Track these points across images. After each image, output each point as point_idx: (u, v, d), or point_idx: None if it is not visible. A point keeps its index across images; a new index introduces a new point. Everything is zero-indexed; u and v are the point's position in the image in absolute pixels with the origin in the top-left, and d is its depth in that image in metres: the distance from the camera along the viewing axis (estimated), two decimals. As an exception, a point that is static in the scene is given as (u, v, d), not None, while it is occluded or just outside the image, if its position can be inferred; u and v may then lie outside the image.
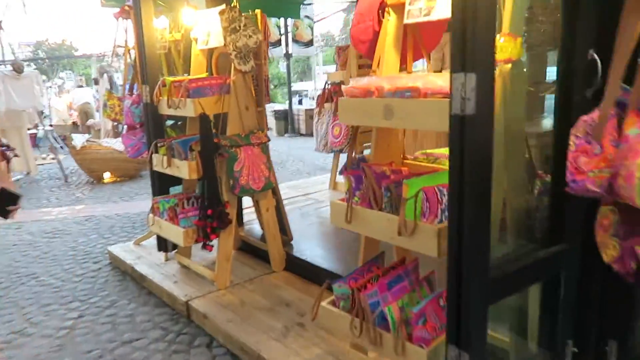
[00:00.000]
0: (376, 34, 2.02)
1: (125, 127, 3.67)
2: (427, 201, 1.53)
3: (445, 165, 1.92)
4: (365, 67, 4.63)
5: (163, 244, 3.37)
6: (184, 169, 2.82)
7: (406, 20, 1.89)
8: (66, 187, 6.85)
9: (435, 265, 1.83)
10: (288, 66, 11.78)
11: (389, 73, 1.95)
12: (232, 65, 2.87)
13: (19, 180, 7.24)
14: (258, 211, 3.34)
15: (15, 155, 6.42)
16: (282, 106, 12.62)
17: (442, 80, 1.53)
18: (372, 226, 1.68)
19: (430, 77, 1.61)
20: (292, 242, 3.37)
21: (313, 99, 16.41)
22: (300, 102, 13.55)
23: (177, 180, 3.14)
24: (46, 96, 13.84)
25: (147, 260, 3.49)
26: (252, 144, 2.89)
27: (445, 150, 2.05)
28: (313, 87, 18.72)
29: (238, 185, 2.82)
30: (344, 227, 1.78)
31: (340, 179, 4.91)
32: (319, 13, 13.28)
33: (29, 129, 8.16)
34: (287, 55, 11.28)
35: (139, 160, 5.34)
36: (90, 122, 9.57)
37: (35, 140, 10.27)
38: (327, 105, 4.66)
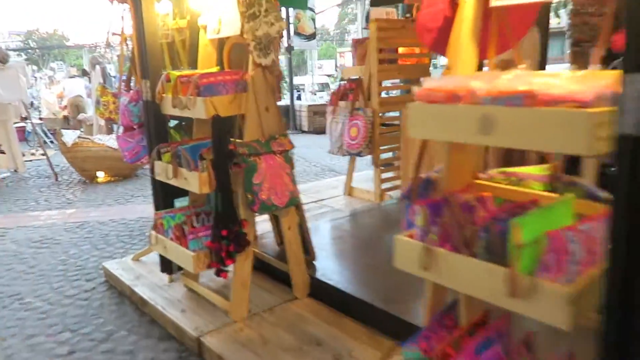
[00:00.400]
0: (447, 21, 1.59)
1: (121, 127, 3.22)
2: (552, 251, 1.11)
3: (540, 190, 1.49)
4: (386, 62, 4.20)
5: (167, 265, 2.93)
6: (194, 181, 2.37)
7: (495, 2, 1.45)
8: (56, 187, 6.37)
9: (532, 324, 1.41)
10: (290, 60, 11.30)
11: (465, 71, 1.52)
12: (250, 58, 2.43)
13: (4, 179, 6.76)
14: (277, 228, 2.91)
15: (1, 152, 5.91)
16: (282, 102, 12.14)
17: (573, 83, 1.10)
18: (464, 278, 1.25)
19: (547, 78, 1.17)
20: (314, 262, 2.94)
21: (313, 93, 15.96)
22: (299, 98, 13.08)
23: (182, 190, 2.70)
24: (35, 87, 13.29)
25: (148, 281, 3.05)
26: (274, 152, 2.46)
27: (530, 169, 1.62)
28: (310, 81, 18.27)
29: (258, 201, 2.38)
30: (419, 274, 1.35)
31: (359, 184, 4.48)
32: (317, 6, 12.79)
33: (15, 123, 7.66)
34: (289, 49, 10.78)
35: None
36: (81, 116, 9.06)
37: (24, 134, 9.77)
38: (342, 103, 4.23)
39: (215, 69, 2.72)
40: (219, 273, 2.42)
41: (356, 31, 17.67)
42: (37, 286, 3.34)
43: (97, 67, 7.70)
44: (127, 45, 3.20)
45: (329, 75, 22.07)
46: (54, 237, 4.34)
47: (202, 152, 2.43)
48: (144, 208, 5.21)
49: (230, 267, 2.48)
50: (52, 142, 9.18)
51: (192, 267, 2.38)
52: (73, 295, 3.17)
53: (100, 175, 6.59)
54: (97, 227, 4.59)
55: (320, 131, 9.31)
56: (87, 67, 12.74)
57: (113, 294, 3.16)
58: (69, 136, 6.37)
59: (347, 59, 20.71)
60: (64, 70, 22.01)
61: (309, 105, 10.90)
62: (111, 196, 5.80)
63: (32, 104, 11.25)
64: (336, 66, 23.80)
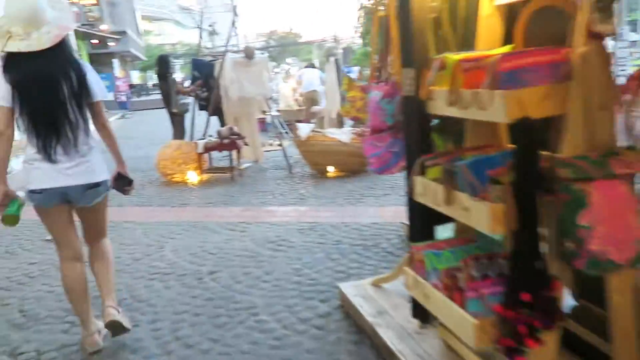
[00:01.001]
0: None
1: (367, 128, 2.66)
2: None
3: None
4: None
5: (422, 312, 2.27)
6: (480, 214, 1.61)
7: None
8: (290, 180, 6.45)
9: None
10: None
11: None
12: (579, 25, 1.53)
13: (247, 169, 7.18)
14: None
15: (245, 144, 6.09)
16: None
17: None
18: None
19: None
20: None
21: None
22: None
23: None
24: (275, 81, 14.47)
25: (393, 322, 2.44)
26: (615, 176, 1.53)
27: None
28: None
29: (584, 252, 1.50)
30: None
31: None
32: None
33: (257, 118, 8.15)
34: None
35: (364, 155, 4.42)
36: (314, 109, 9.23)
37: (264, 125, 10.55)
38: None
39: (508, 49, 1.90)
40: (512, 355, 1.62)
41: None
42: (272, 300, 3.07)
43: (331, 58, 7.62)
44: (379, 24, 2.61)
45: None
46: (288, 239, 4.15)
47: (494, 171, 1.65)
48: (375, 211, 4.75)
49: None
50: (287, 132, 9.66)
51: (472, 339, 1.64)
52: (307, 320, 2.77)
53: (331, 169, 6.44)
54: (330, 231, 4.26)
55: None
56: (315, 61, 13.18)
57: (350, 327, 2.66)
58: (304, 130, 6.35)
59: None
60: (297, 65, 23.87)
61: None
62: (341, 194, 5.53)
63: (271, 97, 12.21)
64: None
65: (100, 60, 24.40)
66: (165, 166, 6.54)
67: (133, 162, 8.46)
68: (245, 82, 6.44)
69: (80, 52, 21.77)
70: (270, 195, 5.77)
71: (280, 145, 7.38)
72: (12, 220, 2.37)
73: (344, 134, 6.27)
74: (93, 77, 2.41)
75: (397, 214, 4.22)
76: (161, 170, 6.62)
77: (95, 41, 22.19)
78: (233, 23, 7.68)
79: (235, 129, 6.53)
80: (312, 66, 11.32)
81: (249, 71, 6.45)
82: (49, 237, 2.70)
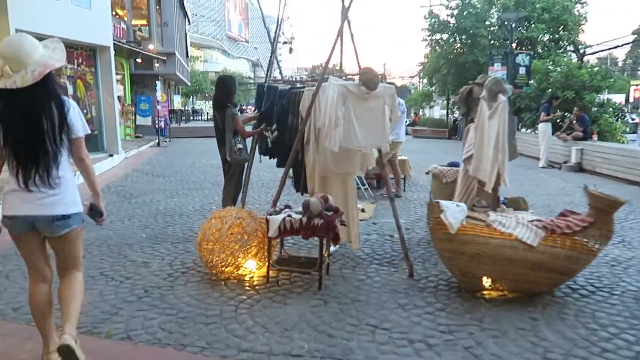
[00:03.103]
0: None
1: None
2: None
3: None
4: None
5: None
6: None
7: None
8: (416, 297, 3.76)
9: None
10: None
11: None
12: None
13: (332, 258, 4.56)
14: None
15: (342, 224, 3.22)
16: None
17: None
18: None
19: None
20: None
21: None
22: None
23: None
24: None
25: None
26: None
27: None
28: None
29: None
30: None
31: None
32: None
33: None
34: None
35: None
36: (442, 169, 6.58)
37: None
38: None
39: None
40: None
41: None
42: None
43: (502, 97, 5.01)
44: None
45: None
46: None
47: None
48: None
49: None
50: (366, 189, 7.08)
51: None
52: None
53: (487, 283, 3.74)
54: None
55: None
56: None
57: None
58: (453, 213, 3.70)
59: None
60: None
61: None
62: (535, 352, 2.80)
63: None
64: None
65: (143, 82, 22.72)
66: (212, 252, 3.96)
67: (159, 222, 6.04)
68: (357, 125, 3.90)
69: (123, 72, 20.11)
70: (385, 336, 3.10)
71: (363, 211, 4.79)
72: None
73: (526, 228, 3.60)
74: (75, 114, 2.53)
75: None
76: (204, 257, 4.05)
77: (139, 60, 20.47)
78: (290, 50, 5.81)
79: (332, 201, 3.94)
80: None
81: (366, 108, 3.93)
82: None
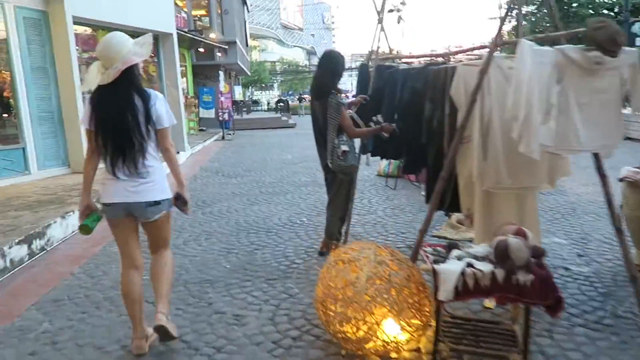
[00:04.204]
0: None
1: None
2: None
3: None
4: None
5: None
6: None
7: None
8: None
9: None
10: None
11: None
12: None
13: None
14: None
15: None
16: None
17: None
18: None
19: None
20: None
21: None
22: None
23: None
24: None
25: None
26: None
27: None
28: None
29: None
30: None
31: None
32: None
33: None
34: None
35: None
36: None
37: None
38: None
39: None
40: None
41: None
42: None
43: None
44: None
45: None
46: None
47: None
48: None
49: None
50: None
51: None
52: None
53: None
54: None
55: None
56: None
57: None
58: None
59: None
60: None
61: None
62: None
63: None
64: None
65: (204, 73, 21.90)
66: (345, 319, 2.56)
67: (243, 244, 4.58)
68: (578, 116, 2.38)
69: (185, 63, 19.29)
70: None
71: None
72: (86, 230, 2.67)
73: None
74: (160, 105, 2.64)
75: None
76: (331, 325, 2.66)
77: (201, 50, 19.58)
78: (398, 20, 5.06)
79: (531, 237, 2.45)
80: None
81: (593, 88, 2.39)
82: None
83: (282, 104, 32.94)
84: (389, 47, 5.18)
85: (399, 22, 5.38)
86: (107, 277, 4.02)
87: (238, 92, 32.28)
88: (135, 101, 2.55)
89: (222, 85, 19.63)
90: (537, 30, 19.39)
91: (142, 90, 2.60)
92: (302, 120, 29.90)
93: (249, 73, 33.33)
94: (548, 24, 18.84)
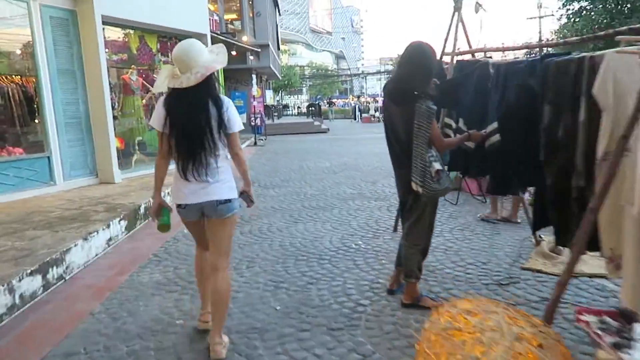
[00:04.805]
0: None
1: None
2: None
3: None
4: None
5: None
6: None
7: None
8: None
9: None
10: None
11: None
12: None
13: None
14: None
15: None
16: None
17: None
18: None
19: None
20: None
21: None
22: None
23: None
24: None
25: None
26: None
27: None
28: None
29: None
30: None
31: None
32: None
33: None
34: None
35: None
36: None
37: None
38: None
39: None
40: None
41: None
42: None
43: None
44: None
45: None
46: None
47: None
48: None
49: None
50: None
51: None
52: None
53: None
54: None
55: None
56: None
57: None
58: None
59: None
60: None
61: None
62: None
63: None
64: None
65: (235, 77, 21.37)
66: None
67: (292, 275, 3.77)
68: None
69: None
70: None
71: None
72: (166, 228, 2.84)
73: None
74: (232, 112, 2.71)
75: None
76: None
77: (234, 53, 19.04)
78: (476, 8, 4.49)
79: None
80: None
81: None
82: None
83: (313, 108, 32.28)
84: (468, 41, 4.34)
85: (477, 11, 4.54)
86: (133, 319, 3.30)
87: (269, 97, 31.77)
88: (210, 106, 2.61)
89: (255, 89, 19.02)
90: (590, 27, 18.11)
91: (217, 97, 2.67)
92: (333, 125, 29.00)
93: (280, 77, 32.79)
94: (604, 19, 17.55)
